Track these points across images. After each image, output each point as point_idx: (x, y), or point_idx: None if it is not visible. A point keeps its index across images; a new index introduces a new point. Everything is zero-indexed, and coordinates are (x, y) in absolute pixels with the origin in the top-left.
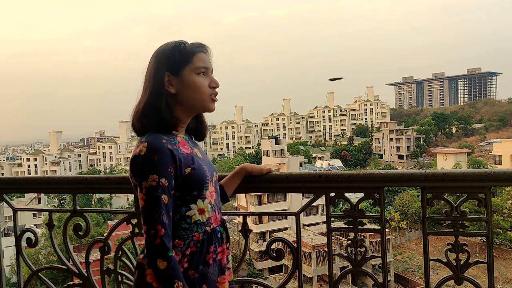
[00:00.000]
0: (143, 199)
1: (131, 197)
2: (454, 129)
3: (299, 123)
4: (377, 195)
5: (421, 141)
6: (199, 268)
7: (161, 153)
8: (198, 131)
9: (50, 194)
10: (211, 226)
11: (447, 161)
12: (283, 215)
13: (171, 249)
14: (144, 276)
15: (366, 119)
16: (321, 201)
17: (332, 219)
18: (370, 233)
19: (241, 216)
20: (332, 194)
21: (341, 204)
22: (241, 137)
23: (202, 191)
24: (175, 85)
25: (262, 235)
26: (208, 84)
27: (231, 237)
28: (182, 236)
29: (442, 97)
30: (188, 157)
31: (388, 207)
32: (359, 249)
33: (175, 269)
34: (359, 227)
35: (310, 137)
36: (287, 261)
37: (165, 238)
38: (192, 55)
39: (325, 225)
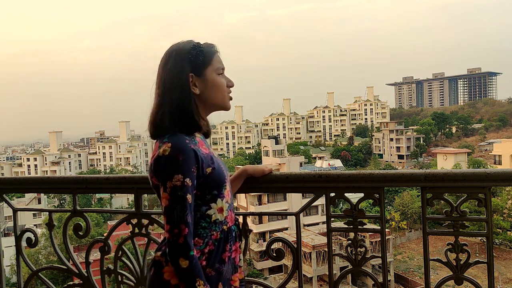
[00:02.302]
0: (167, 199)
1: (131, 197)
2: (454, 129)
3: (299, 123)
4: (377, 195)
5: (421, 141)
6: (216, 266)
7: (186, 153)
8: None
9: (50, 194)
10: (228, 225)
11: (447, 161)
12: (283, 215)
13: (193, 248)
14: (161, 274)
15: (366, 119)
16: (321, 201)
17: (332, 219)
18: (370, 233)
19: (241, 216)
20: (332, 194)
21: (341, 204)
22: (241, 137)
23: (221, 190)
24: (199, 85)
25: (262, 235)
26: (226, 84)
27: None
28: (202, 235)
29: (442, 97)
30: (208, 157)
31: (388, 207)
32: (359, 249)
33: (196, 268)
34: (359, 227)
35: (310, 137)
36: (287, 261)
37: (188, 238)
38: (212, 56)
39: (325, 225)
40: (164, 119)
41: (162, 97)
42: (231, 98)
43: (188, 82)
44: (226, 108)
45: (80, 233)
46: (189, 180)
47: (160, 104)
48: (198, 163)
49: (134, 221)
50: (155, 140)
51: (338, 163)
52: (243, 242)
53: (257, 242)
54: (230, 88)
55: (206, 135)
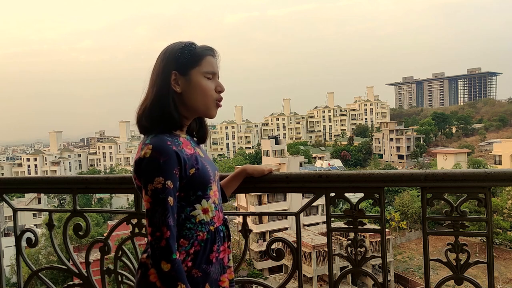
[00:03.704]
0: (148, 202)
1: (131, 197)
2: (454, 129)
3: (299, 123)
4: (377, 195)
5: (421, 141)
6: (202, 267)
7: (167, 155)
8: (199, 134)
9: (50, 194)
10: (215, 225)
11: (447, 161)
12: (283, 215)
13: (175, 251)
14: (147, 276)
15: (366, 119)
16: (321, 201)
17: (332, 219)
18: (370, 233)
19: (241, 216)
20: (332, 194)
21: (341, 204)
22: (241, 137)
23: (206, 191)
24: (181, 84)
25: (262, 235)
26: (214, 88)
27: (231, 237)
28: (187, 236)
29: (442, 97)
30: (192, 158)
31: (388, 207)
32: (359, 249)
33: (178, 272)
34: (359, 227)
35: (310, 137)
36: (287, 261)
37: (171, 240)
38: (202, 58)
39: (325, 225)
40: (144, 116)
41: (146, 93)
42: (218, 106)
43: (169, 79)
44: (208, 114)
45: (80, 233)
46: (171, 183)
47: (143, 100)
48: (180, 165)
49: (134, 221)
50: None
51: (338, 163)
52: (244, 242)
53: (257, 242)
54: (221, 94)
55: (199, 139)
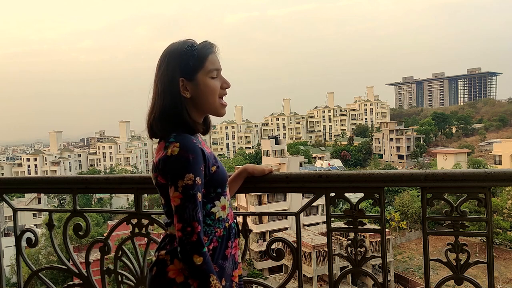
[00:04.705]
0: (179, 198)
1: (131, 197)
2: (454, 129)
3: (299, 123)
4: (377, 195)
5: (421, 141)
6: (219, 263)
7: (195, 152)
8: (203, 126)
9: (50, 194)
10: (229, 222)
11: (447, 161)
12: (283, 215)
13: (205, 245)
14: (165, 272)
15: (366, 119)
16: (321, 201)
17: (332, 219)
18: (370, 233)
19: (241, 216)
20: (332, 194)
21: (341, 204)
22: (241, 137)
23: (224, 188)
24: (190, 89)
25: (262, 235)
26: (220, 86)
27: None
28: (207, 232)
29: (442, 97)
30: (212, 156)
31: (388, 207)
32: (359, 249)
33: (209, 264)
34: (359, 227)
35: (310, 137)
36: (287, 261)
37: (201, 234)
38: (205, 59)
39: (325, 225)
40: (155, 123)
41: (154, 101)
42: (225, 105)
43: (178, 88)
44: (218, 114)
45: (80, 233)
46: (199, 179)
47: (152, 108)
48: (205, 162)
49: (134, 221)
50: (156, 140)
51: (338, 163)
52: (244, 242)
53: (257, 242)
54: (226, 90)
55: (206, 131)
